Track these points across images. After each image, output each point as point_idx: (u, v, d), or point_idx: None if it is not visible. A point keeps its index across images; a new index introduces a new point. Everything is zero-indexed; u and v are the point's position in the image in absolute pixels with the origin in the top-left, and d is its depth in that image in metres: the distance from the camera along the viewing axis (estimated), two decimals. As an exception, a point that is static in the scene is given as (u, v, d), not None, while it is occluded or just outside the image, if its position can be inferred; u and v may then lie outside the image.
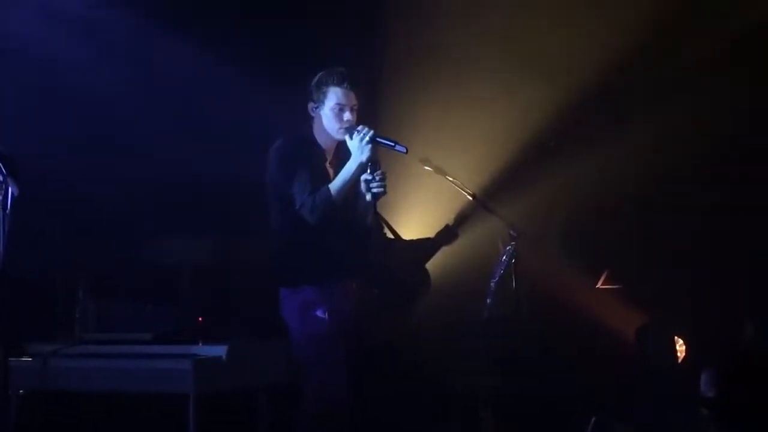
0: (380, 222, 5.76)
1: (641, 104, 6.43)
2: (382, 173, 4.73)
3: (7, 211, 4.07)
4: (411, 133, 5.57)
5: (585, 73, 6.32)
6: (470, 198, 5.84)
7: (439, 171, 5.83)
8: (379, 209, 4.91)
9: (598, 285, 6.40)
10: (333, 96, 4.87)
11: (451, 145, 6.27)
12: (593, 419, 5.41)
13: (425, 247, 6.07)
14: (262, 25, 6.27)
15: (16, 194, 4.06)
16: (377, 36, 6.49)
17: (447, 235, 6.09)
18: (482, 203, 5.88)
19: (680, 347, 6.34)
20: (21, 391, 5.14)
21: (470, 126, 6.44)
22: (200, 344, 5.03)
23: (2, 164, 4.08)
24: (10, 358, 4.95)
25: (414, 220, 6.32)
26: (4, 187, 4.08)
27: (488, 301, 5.72)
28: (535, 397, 5.91)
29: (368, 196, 4.74)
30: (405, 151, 4.72)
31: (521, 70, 6.38)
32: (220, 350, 4.94)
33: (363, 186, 4.76)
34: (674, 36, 6.27)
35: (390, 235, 5.97)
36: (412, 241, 6.07)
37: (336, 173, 4.81)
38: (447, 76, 6.48)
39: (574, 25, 6.32)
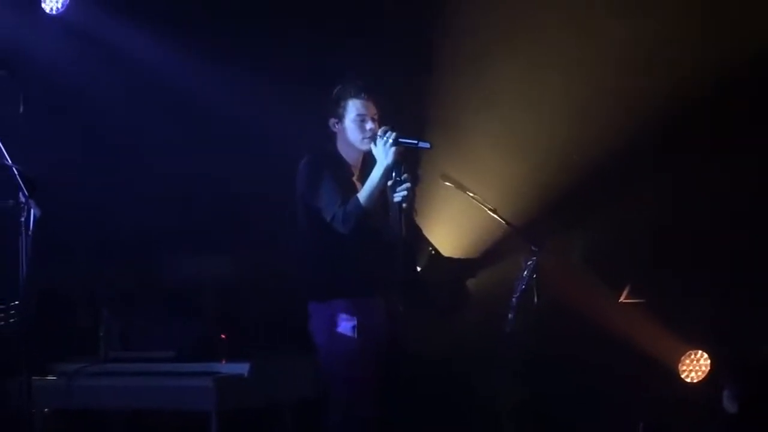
0: (417, 233, 5.78)
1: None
2: (408, 176, 4.76)
3: (30, 232, 4.11)
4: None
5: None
6: (491, 213, 5.85)
7: (460, 186, 5.83)
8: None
9: (621, 299, 6.38)
10: (353, 108, 4.91)
11: (473, 159, 6.29)
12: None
13: (468, 266, 6.11)
14: (288, 38, 6.29)
15: (38, 216, 4.10)
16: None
17: (491, 258, 6.14)
18: (503, 218, 5.87)
19: (704, 362, 6.32)
20: (45, 410, 5.19)
21: (493, 140, 6.46)
22: (223, 362, 5.06)
23: (25, 186, 4.13)
24: (34, 377, 4.98)
25: (442, 236, 6.33)
26: (26, 208, 4.12)
27: (510, 316, 5.71)
28: (558, 410, 5.90)
29: (396, 198, 4.76)
30: (429, 146, 4.77)
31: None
32: (242, 368, 4.97)
33: (389, 193, 4.79)
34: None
35: (430, 250, 6.02)
36: (453, 258, 6.11)
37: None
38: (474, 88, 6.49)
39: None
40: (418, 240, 6.03)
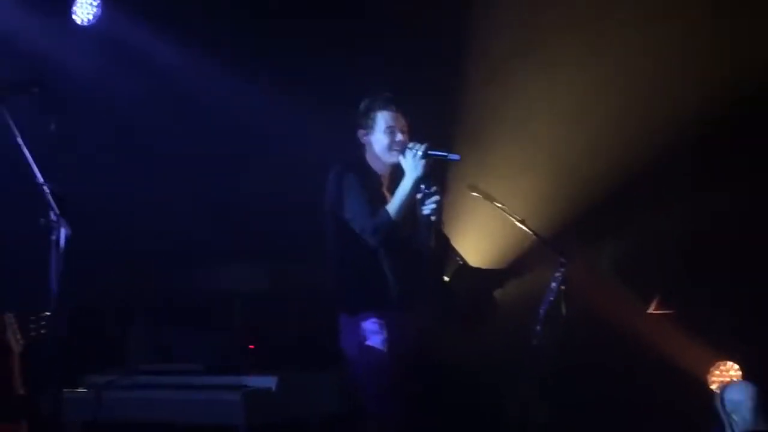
0: (445, 244, 5.78)
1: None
2: (437, 188, 4.76)
3: (61, 251, 4.13)
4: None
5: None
6: (518, 224, 5.83)
7: (488, 197, 5.82)
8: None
9: (650, 310, 6.35)
10: (382, 120, 4.92)
11: (501, 170, 6.28)
12: None
13: (495, 277, 6.11)
14: (317, 46, 6.28)
15: (69, 235, 4.12)
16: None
17: (518, 269, 6.14)
18: (531, 229, 5.86)
19: (735, 373, 6.29)
20: (75, 422, 5.22)
21: (522, 152, 6.44)
22: (251, 375, 5.07)
23: (56, 204, 4.15)
24: (64, 389, 5.01)
25: (469, 247, 6.32)
26: (58, 227, 4.14)
27: (537, 328, 5.69)
28: (586, 422, 5.89)
29: (425, 210, 4.77)
30: (458, 158, 4.78)
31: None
32: (270, 381, 4.98)
33: (418, 205, 4.79)
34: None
35: (458, 261, 6.02)
36: (481, 269, 6.11)
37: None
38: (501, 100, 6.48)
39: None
40: (446, 250, 6.03)
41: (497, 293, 6.18)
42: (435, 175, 4.90)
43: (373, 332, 4.82)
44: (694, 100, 6.15)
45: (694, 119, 6.16)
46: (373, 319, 4.83)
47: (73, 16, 6.04)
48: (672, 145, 6.21)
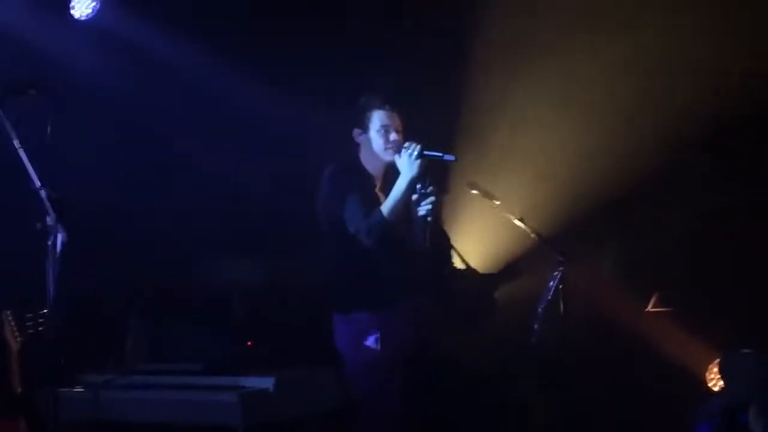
0: (445, 242, 5.78)
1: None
2: (433, 188, 4.75)
3: (57, 256, 4.12)
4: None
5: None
6: (517, 222, 5.82)
7: (486, 194, 5.80)
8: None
9: (648, 308, 6.34)
10: (377, 119, 4.94)
11: (502, 168, 6.27)
12: None
13: (492, 280, 6.12)
14: (320, 49, 6.26)
15: (65, 241, 4.10)
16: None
17: (514, 271, 6.14)
18: (529, 227, 5.84)
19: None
20: (71, 422, 5.21)
21: (522, 150, 6.43)
22: (248, 376, 5.07)
23: (53, 209, 4.14)
24: (60, 389, 5.01)
25: (468, 245, 6.31)
26: (54, 231, 4.13)
27: (535, 326, 5.70)
28: (587, 421, 5.89)
29: (421, 211, 4.76)
30: (454, 159, 4.78)
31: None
32: (267, 382, 4.98)
33: (413, 206, 4.79)
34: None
35: (460, 263, 6.01)
36: (477, 273, 6.12)
37: (386, 198, 4.84)
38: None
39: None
40: (447, 248, 6.03)
41: (496, 293, 6.19)
42: (433, 175, 4.89)
43: (367, 331, 4.83)
44: (706, 103, 6.11)
45: (705, 116, 6.13)
46: (367, 319, 4.84)
47: (71, 11, 5.96)
48: (677, 145, 6.19)
